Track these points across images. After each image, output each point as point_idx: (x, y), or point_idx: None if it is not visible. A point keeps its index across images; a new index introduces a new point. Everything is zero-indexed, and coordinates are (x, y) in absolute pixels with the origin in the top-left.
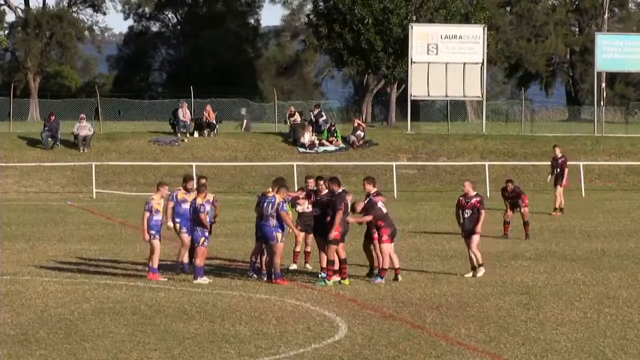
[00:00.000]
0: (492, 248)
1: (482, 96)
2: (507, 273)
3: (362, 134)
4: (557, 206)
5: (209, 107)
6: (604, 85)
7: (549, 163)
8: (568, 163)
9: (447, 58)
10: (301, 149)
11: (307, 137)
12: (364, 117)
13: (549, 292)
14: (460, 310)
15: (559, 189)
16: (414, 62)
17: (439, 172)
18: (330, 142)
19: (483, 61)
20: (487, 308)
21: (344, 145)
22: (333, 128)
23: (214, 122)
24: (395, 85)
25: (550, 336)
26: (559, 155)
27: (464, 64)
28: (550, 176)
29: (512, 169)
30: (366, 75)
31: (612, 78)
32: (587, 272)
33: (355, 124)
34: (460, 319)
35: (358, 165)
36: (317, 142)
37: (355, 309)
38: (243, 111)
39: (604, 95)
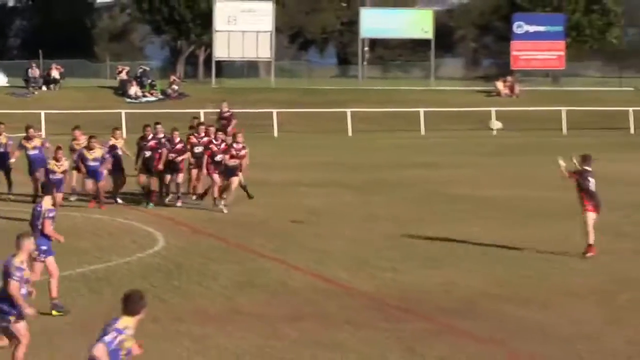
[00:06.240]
0: (278, 177)
1: (271, 57)
2: (292, 197)
3: (177, 87)
4: None
5: (53, 65)
6: (366, 48)
7: (326, 110)
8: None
9: (244, 27)
10: (128, 100)
11: (133, 90)
12: (178, 74)
13: (326, 212)
14: (256, 226)
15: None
16: (218, 31)
17: (238, 117)
18: (152, 94)
19: (272, 30)
20: (277, 225)
21: (162, 97)
22: (154, 83)
23: (58, 77)
24: (203, 49)
25: (327, 247)
26: (225, 109)
27: (257, 32)
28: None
29: (295, 114)
30: (179, 41)
31: (373, 43)
32: (355, 195)
33: (171, 80)
34: (256, 233)
35: (174, 112)
36: (141, 94)
37: (172, 225)
38: None
39: (367, 57)
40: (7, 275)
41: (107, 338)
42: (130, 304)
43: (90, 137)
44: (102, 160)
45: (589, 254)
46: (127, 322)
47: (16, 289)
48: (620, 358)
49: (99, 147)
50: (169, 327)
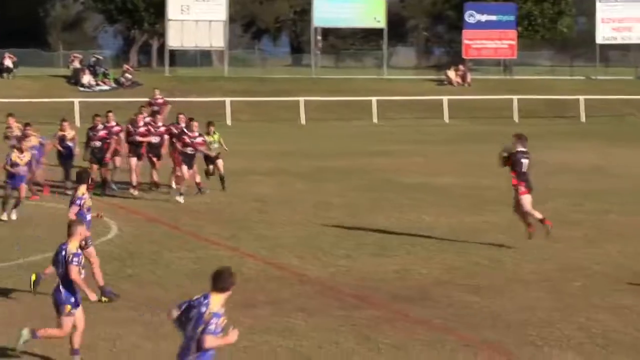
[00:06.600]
0: (231, 166)
1: (225, 46)
2: (245, 186)
3: (130, 76)
4: None
5: (7, 54)
6: (319, 37)
7: (278, 99)
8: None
9: (197, 16)
10: (81, 89)
11: (86, 79)
12: (131, 63)
13: (278, 200)
14: (210, 214)
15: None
16: (170, 20)
17: (190, 106)
18: (105, 83)
19: (225, 19)
20: (230, 213)
21: (116, 86)
22: (107, 72)
23: (12, 66)
24: (156, 38)
25: (280, 234)
26: (158, 96)
27: (210, 21)
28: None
29: (248, 103)
30: (132, 30)
31: (326, 32)
32: (307, 183)
33: (125, 69)
34: (209, 221)
35: (128, 101)
36: (94, 83)
37: (125, 213)
38: None
39: (320, 46)
40: (66, 263)
41: (213, 328)
42: (222, 281)
43: (25, 125)
44: (39, 147)
45: (548, 225)
46: (219, 301)
47: (77, 273)
48: (571, 344)
49: (34, 135)
50: (122, 314)
